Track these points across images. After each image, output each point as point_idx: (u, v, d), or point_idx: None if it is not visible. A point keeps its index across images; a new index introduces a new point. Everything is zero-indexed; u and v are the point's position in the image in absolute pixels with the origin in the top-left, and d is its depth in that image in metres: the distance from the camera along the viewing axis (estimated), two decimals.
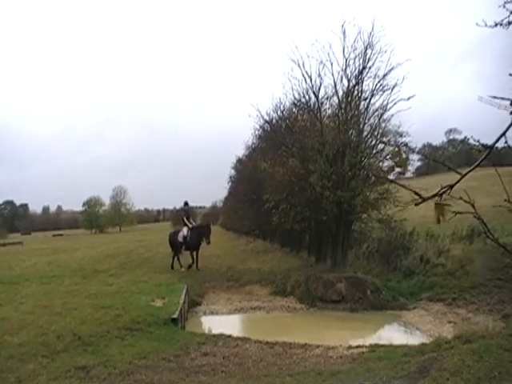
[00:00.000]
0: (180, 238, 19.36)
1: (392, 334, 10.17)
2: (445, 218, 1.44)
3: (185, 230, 19.49)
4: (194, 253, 19.11)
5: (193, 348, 8.54)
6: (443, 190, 1.37)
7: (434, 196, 1.38)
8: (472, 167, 1.42)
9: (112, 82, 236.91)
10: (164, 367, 7.44)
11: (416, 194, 1.40)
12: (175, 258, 19.59)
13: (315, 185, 15.27)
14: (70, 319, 10.10)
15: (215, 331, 10.15)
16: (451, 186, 1.36)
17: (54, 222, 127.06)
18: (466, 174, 1.42)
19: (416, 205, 1.43)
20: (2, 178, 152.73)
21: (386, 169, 14.06)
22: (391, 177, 16.48)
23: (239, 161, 33.30)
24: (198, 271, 18.59)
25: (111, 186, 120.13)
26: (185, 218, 20.10)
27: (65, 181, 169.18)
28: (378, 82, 15.52)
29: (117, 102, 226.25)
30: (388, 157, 15.48)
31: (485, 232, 2.23)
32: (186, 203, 21.28)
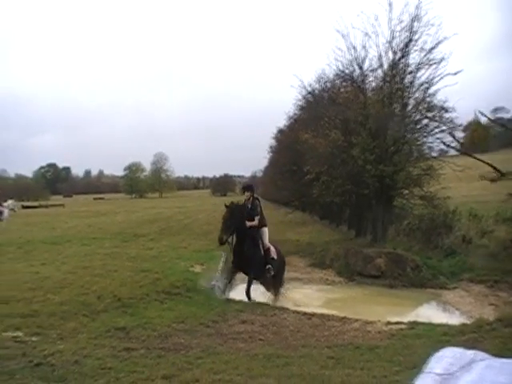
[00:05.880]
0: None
1: (431, 313, 10.01)
2: None
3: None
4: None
5: (231, 315, 8.58)
6: None
7: None
8: None
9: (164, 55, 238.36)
10: (202, 332, 7.50)
11: (495, 169, 1.28)
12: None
13: (357, 158, 15.13)
14: (110, 281, 10.33)
15: (253, 299, 10.22)
16: None
17: (95, 185, 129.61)
18: None
19: (492, 181, 1.28)
20: (50, 142, 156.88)
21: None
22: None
23: (280, 131, 33.12)
24: None
25: (153, 152, 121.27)
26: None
27: (107, 146, 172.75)
28: (425, 55, 15.11)
29: (165, 73, 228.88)
30: None
31: None
32: None
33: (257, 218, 10.44)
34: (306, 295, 11.85)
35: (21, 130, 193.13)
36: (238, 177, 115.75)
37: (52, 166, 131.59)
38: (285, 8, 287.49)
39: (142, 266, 12.45)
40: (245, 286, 10.53)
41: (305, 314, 8.96)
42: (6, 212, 24.30)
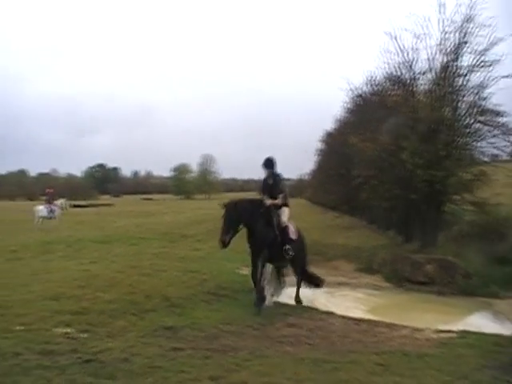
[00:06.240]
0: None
1: (482, 322, 9.71)
2: None
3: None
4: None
5: (278, 318, 8.60)
6: None
7: None
8: None
9: (205, 55, 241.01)
10: (249, 334, 7.54)
11: None
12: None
13: (406, 162, 14.91)
14: (158, 280, 10.50)
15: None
16: None
17: (143, 186, 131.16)
18: None
19: None
20: (101, 143, 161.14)
21: None
22: None
23: (329, 134, 32.83)
24: None
25: (199, 153, 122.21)
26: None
27: (155, 147, 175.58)
28: (477, 57, 14.70)
29: (208, 76, 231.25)
30: None
31: None
32: None
33: (280, 197, 9.48)
34: (354, 300, 11.74)
35: (72, 130, 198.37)
36: (286, 180, 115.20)
37: (101, 166, 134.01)
38: (331, 8, 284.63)
39: (189, 266, 12.61)
40: (294, 289, 10.46)
41: (352, 319, 8.91)
42: (57, 211, 25.05)
